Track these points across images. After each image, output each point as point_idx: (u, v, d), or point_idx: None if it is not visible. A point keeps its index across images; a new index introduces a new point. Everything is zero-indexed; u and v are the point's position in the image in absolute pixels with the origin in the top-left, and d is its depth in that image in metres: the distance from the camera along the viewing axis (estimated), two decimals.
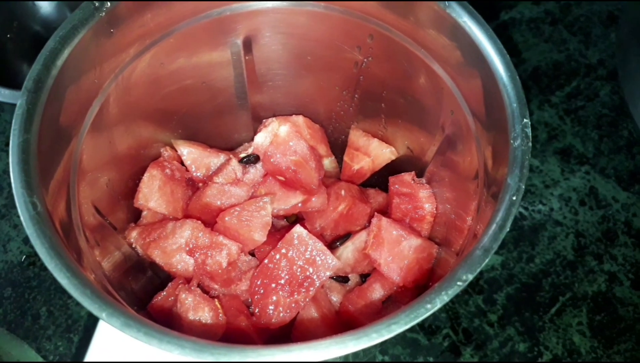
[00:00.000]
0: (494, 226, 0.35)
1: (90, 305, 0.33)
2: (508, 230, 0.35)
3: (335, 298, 0.52)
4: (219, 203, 0.53)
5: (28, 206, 0.35)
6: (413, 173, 0.55)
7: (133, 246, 0.51)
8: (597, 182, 0.66)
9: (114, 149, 0.49)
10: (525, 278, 0.60)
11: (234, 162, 0.55)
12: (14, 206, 0.63)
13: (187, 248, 0.49)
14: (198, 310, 0.44)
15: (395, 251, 0.48)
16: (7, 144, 0.68)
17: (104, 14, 0.41)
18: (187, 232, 0.48)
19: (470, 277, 0.33)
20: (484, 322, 0.58)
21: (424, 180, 0.54)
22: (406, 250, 0.48)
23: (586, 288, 0.60)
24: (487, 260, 0.34)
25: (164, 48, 0.47)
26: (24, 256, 0.61)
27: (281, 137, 0.54)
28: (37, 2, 0.68)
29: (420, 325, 0.58)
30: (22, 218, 0.35)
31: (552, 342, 0.57)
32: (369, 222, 0.53)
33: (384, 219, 0.50)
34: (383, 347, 0.56)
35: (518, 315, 0.58)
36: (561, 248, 0.62)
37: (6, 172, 0.66)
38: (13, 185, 0.36)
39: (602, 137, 0.68)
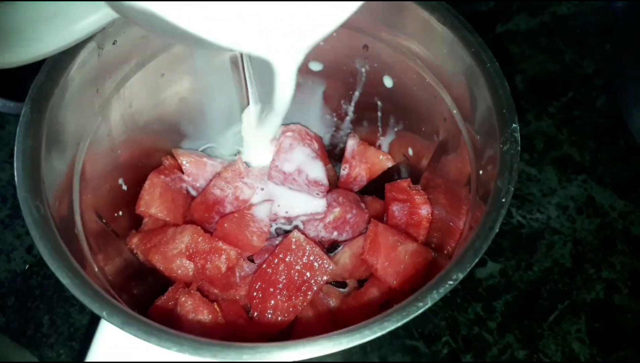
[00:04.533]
0: (483, 227, 0.36)
1: (91, 304, 0.34)
2: (497, 230, 0.35)
3: (333, 303, 0.52)
4: (224, 193, 0.54)
5: (32, 210, 0.36)
6: (409, 179, 0.55)
7: (134, 252, 0.52)
8: (594, 190, 0.66)
9: (117, 157, 0.50)
10: (524, 286, 0.60)
11: (241, 160, 0.56)
12: (18, 217, 0.65)
13: (187, 253, 0.49)
14: (198, 312, 0.45)
15: (392, 256, 0.49)
16: (11, 156, 0.69)
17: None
18: (187, 237, 0.49)
19: (461, 276, 0.34)
20: (483, 330, 0.58)
21: (419, 186, 0.55)
22: (402, 255, 0.49)
23: (585, 295, 0.60)
24: (477, 260, 0.35)
25: (165, 59, 0.49)
26: (27, 266, 0.62)
27: (284, 146, 0.55)
28: None
29: (420, 333, 0.58)
30: (26, 220, 0.36)
31: (552, 349, 0.57)
32: (366, 228, 0.54)
33: (381, 225, 0.50)
34: (382, 353, 0.57)
35: (517, 323, 0.58)
36: (559, 256, 0.62)
37: (10, 183, 0.67)
38: (17, 189, 0.37)
39: (598, 146, 0.69)
